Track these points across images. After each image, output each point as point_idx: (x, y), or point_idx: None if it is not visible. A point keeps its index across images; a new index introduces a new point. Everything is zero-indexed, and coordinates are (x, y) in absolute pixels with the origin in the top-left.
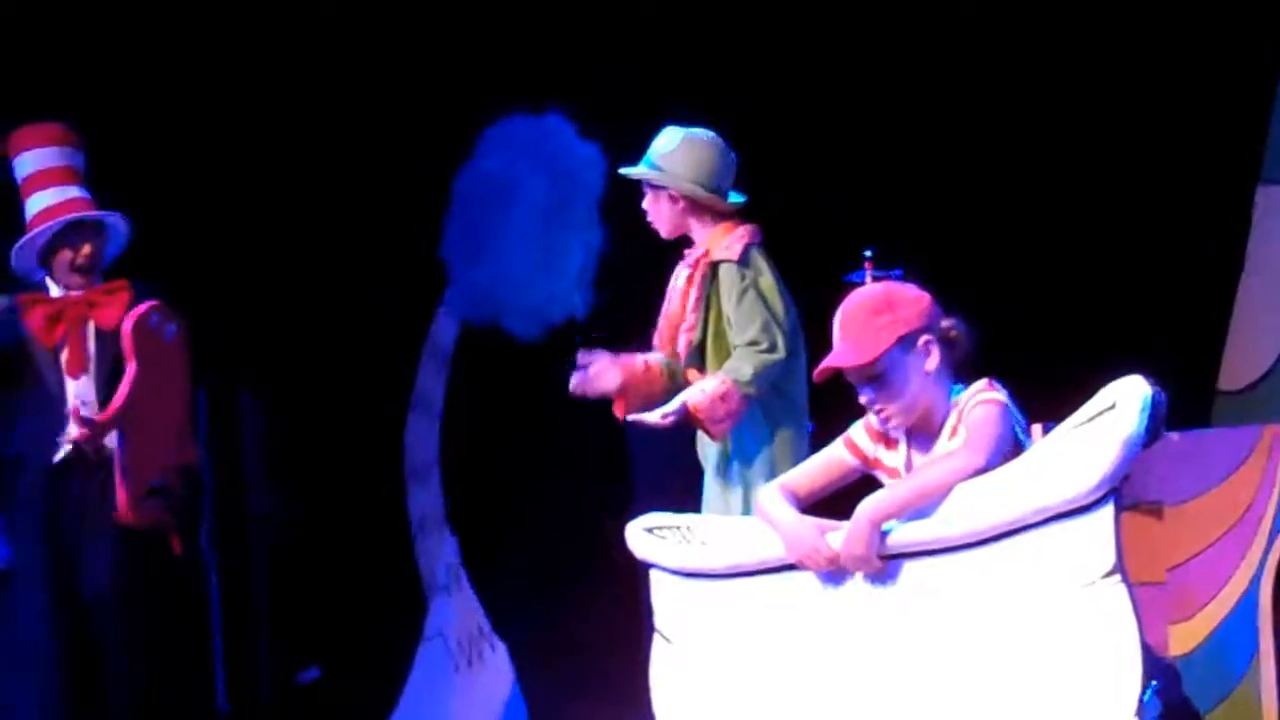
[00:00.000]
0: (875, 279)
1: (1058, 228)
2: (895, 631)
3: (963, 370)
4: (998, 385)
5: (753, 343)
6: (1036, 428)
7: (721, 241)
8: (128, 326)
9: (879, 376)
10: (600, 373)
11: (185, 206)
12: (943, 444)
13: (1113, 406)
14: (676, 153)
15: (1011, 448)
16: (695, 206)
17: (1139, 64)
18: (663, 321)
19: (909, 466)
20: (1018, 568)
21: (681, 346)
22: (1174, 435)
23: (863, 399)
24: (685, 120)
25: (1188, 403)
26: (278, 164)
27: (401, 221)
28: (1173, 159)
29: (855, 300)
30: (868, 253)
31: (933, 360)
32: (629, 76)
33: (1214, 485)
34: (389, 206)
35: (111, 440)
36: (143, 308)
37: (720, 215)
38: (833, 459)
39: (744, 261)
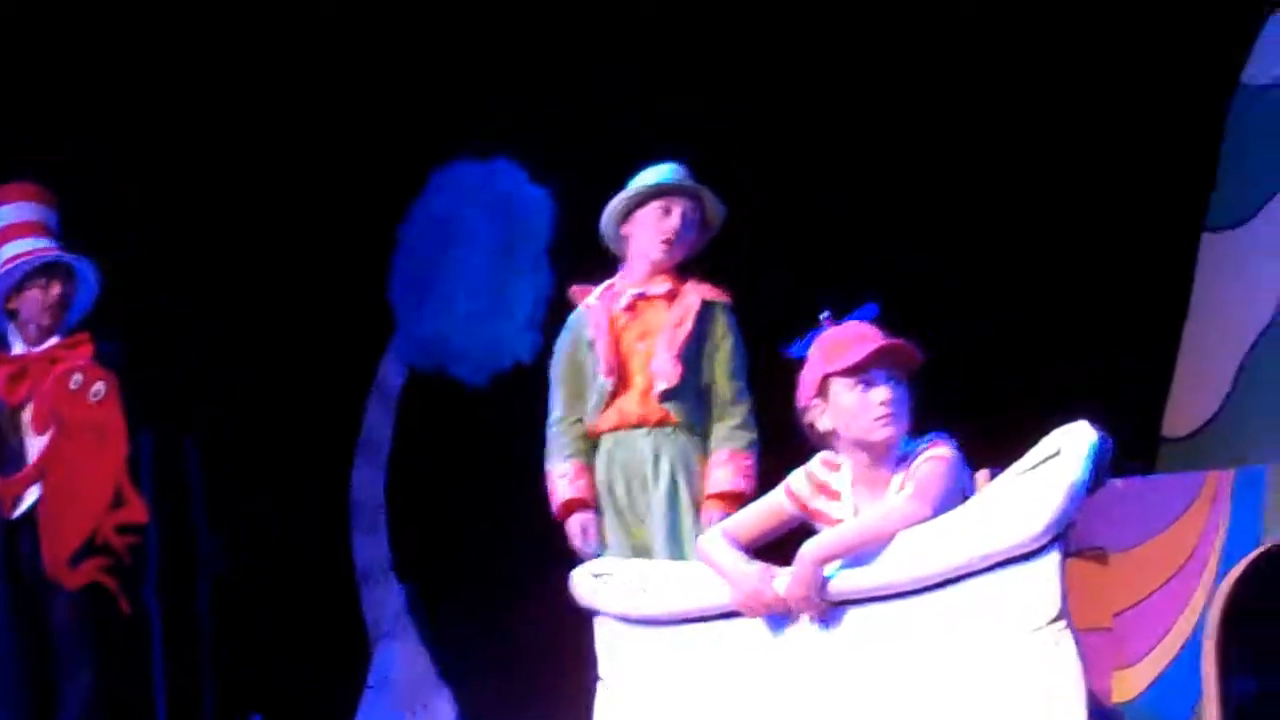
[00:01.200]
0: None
1: (1003, 273)
2: (840, 677)
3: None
4: (949, 441)
5: (741, 400)
6: (982, 473)
7: (701, 285)
8: (45, 389)
9: (906, 383)
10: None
11: (129, 250)
12: (890, 496)
13: (1058, 453)
14: (706, 185)
15: (958, 501)
16: (701, 242)
17: (1087, 112)
18: (615, 354)
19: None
20: (963, 614)
21: (668, 381)
22: (1119, 482)
23: (883, 394)
24: (638, 163)
25: (1133, 450)
26: (224, 207)
27: (348, 265)
28: (1118, 206)
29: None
30: (825, 313)
31: None
32: (580, 118)
33: (1158, 532)
34: (336, 250)
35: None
36: (61, 369)
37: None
38: (773, 506)
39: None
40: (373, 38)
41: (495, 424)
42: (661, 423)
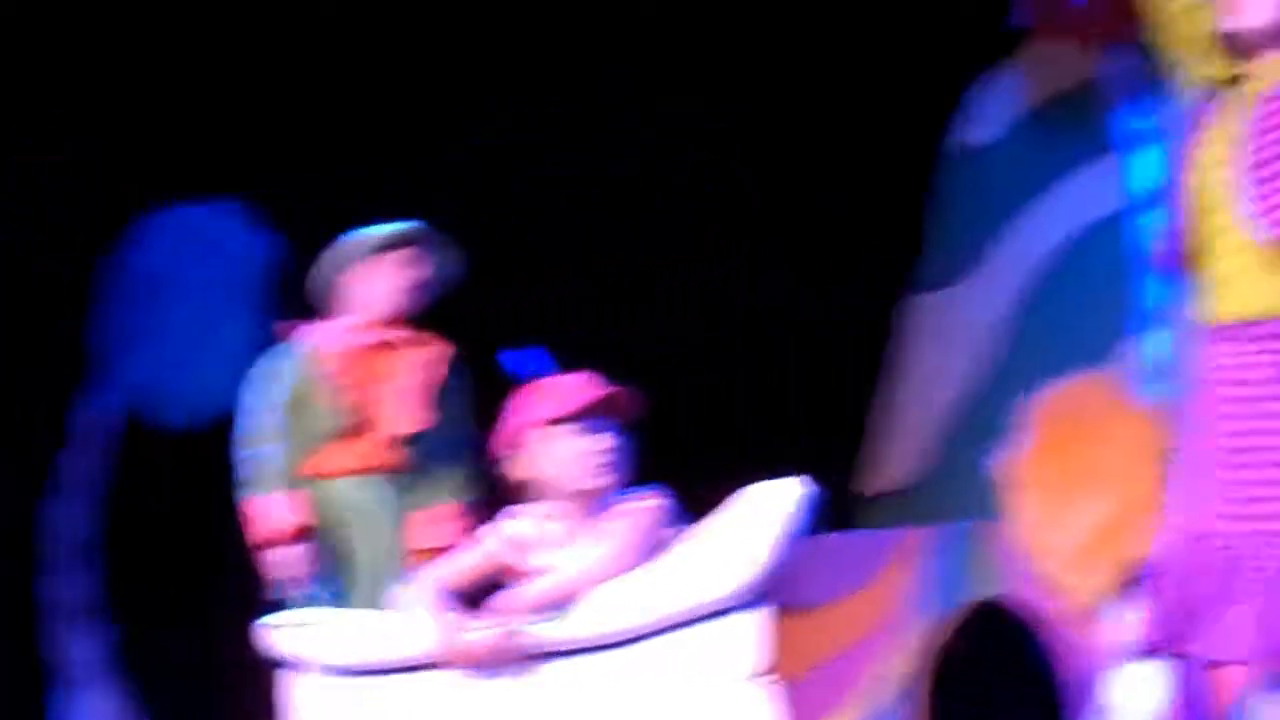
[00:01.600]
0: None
1: (712, 328)
2: None
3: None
4: (660, 493)
5: (470, 449)
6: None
7: (437, 336)
8: None
9: (624, 433)
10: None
11: None
12: (593, 545)
13: (762, 507)
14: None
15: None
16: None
17: (802, 170)
18: (355, 397)
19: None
20: (668, 666)
21: (408, 429)
22: (821, 537)
23: (604, 442)
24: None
25: (835, 505)
26: None
27: (58, 308)
28: (826, 264)
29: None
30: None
31: None
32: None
33: (860, 587)
34: (45, 293)
35: None
36: None
37: None
38: (486, 553)
39: None
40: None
41: (209, 468)
42: (396, 469)
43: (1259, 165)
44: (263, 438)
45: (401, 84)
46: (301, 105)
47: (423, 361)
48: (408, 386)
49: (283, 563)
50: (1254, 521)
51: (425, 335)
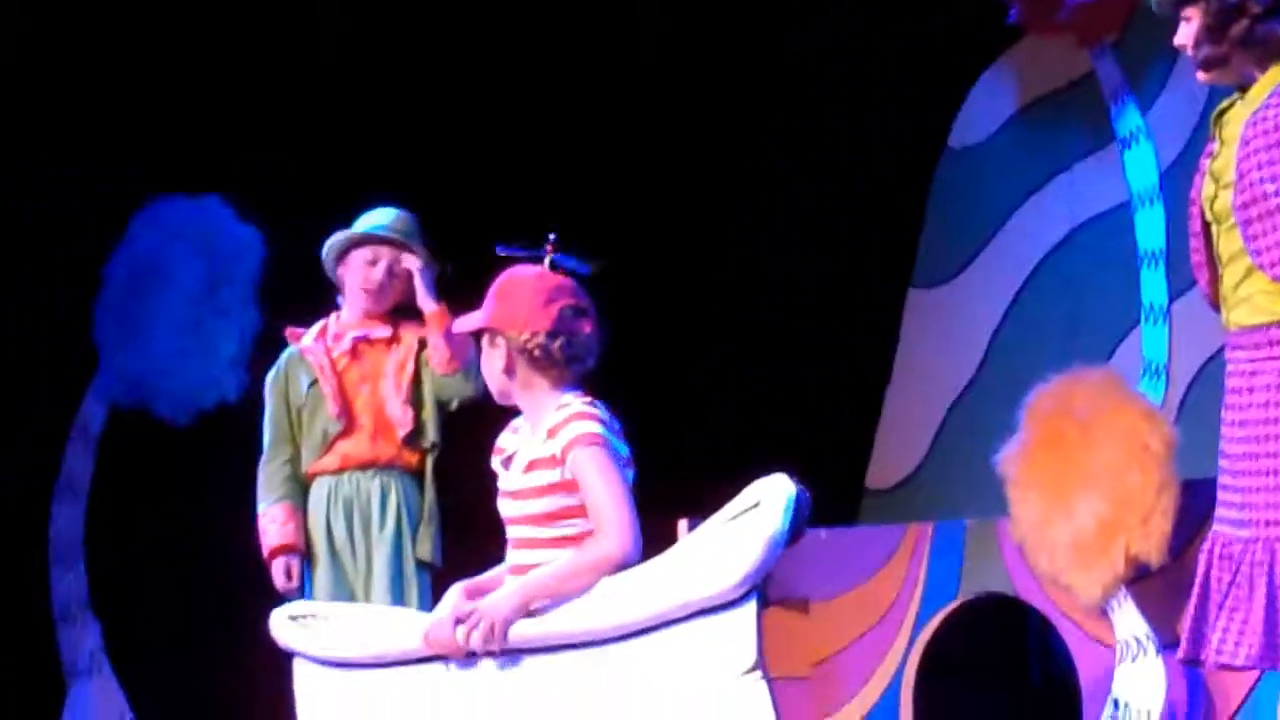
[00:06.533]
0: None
1: (714, 325)
2: None
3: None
4: (590, 409)
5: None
6: (682, 523)
7: (418, 325)
8: None
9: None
10: None
11: None
12: (538, 443)
13: (757, 505)
14: (416, 231)
15: (631, 492)
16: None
17: (797, 170)
18: (342, 396)
19: (507, 464)
20: (661, 662)
21: (405, 427)
22: (822, 533)
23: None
24: (358, 201)
25: (837, 501)
26: None
27: (53, 304)
28: (826, 262)
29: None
30: (552, 236)
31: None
32: (287, 161)
33: (860, 582)
34: (39, 288)
35: None
36: None
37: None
38: None
39: None
40: (80, 70)
41: (200, 463)
42: (390, 465)
43: (1244, 206)
44: (265, 448)
45: (388, 77)
46: (290, 97)
47: (400, 359)
48: (392, 386)
49: (281, 572)
50: (1257, 527)
51: (400, 328)
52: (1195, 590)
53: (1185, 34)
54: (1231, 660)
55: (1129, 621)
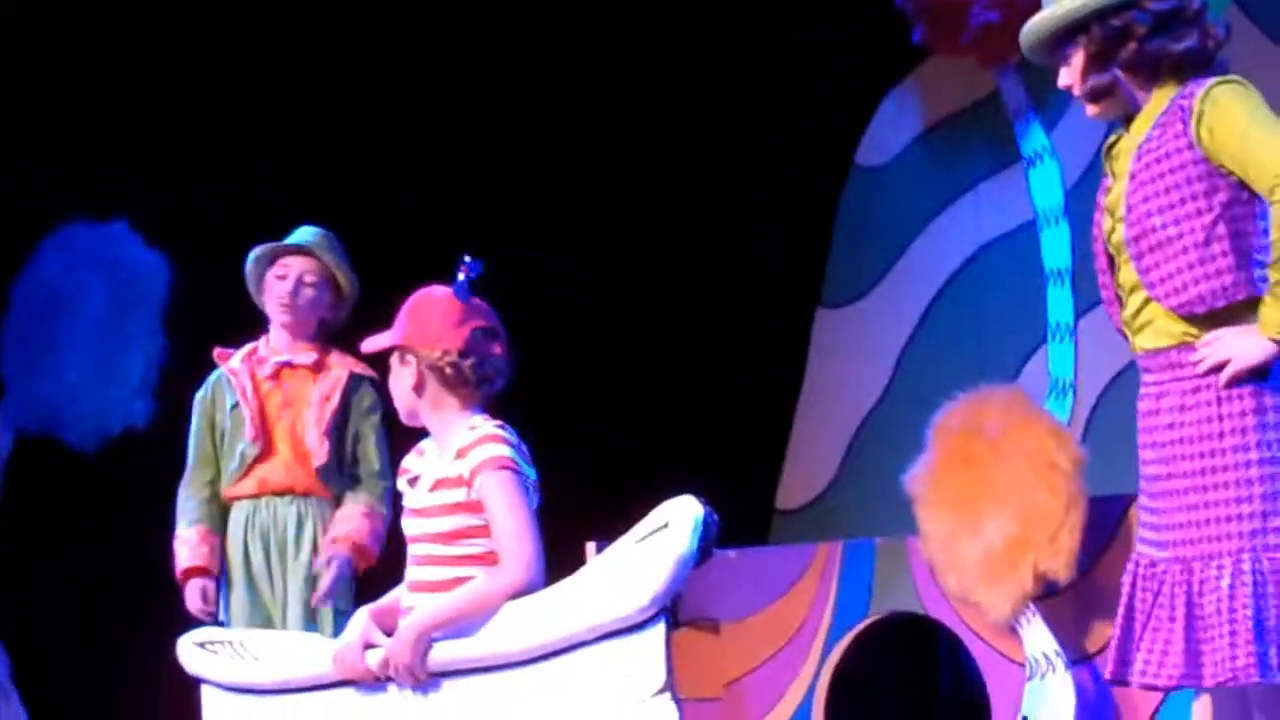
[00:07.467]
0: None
1: (620, 346)
2: None
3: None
4: (499, 433)
5: (383, 478)
6: (590, 545)
7: (347, 358)
8: None
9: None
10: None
11: None
12: (445, 463)
13: (665, 526)
14: (329, 245)
15: (537, 517)
16: (340, 311)
17: (705, 190)
18: (261, 420)
19: (413, 484)
20: (571, 685)
21: (319, 458)
22: (731, 553)
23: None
24: (261, 230)
25: (746, 521)
26: None
27: None
28: (735, 281)
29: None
30: (466, 258)
31: (422, 387)
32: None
33: (770, 602)
34: None
35: None
36: None
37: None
38: None
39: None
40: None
41: (106, 489)
42: (307, 492)
43: (1136, 239)
44: (189, 469)
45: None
46: (192, 118)
47: (326, 389)
48: (314, 416)
49: (196, 595)
50: (1174, 547)
51: (328, 357)
52: (1120, 611)
53: (1068, 74)
54: (1154, 681)
55: (1038, 638)
